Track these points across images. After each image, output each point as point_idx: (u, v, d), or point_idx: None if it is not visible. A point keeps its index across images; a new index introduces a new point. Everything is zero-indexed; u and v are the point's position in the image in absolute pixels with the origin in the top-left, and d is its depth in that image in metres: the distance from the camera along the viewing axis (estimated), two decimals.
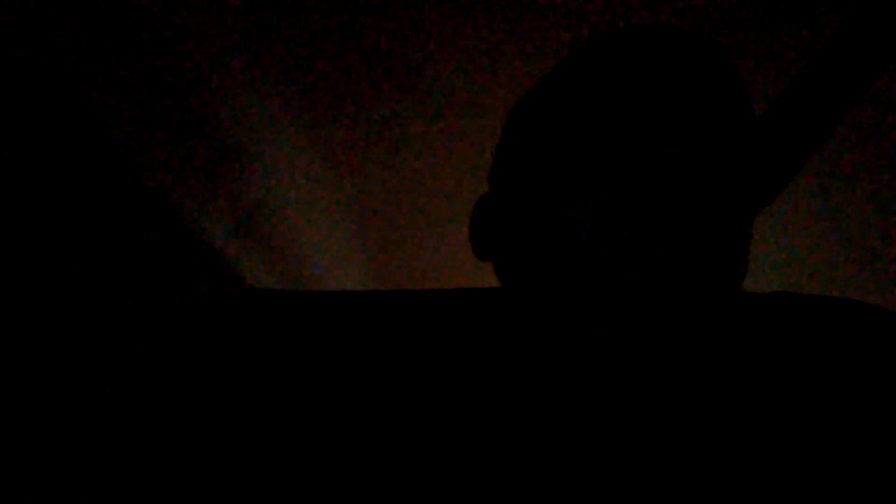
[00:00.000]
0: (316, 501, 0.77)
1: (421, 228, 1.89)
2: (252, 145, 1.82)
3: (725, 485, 0.81)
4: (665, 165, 0.85)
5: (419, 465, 0.78)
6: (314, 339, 0.84)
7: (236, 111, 1.78)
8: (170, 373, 0.84)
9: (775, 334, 0.88)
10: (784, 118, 0.92)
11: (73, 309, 1.65)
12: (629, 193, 0.85)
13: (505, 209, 0.92)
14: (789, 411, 0.83)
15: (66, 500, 1.44)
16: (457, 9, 1.69)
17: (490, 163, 0.98)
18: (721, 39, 1.67)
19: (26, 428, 1.52)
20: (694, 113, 0.88)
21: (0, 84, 1.65)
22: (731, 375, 0.85)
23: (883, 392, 0.84)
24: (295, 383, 0.81)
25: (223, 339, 0.84)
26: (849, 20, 0.91)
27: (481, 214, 0.94)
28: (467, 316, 0.87)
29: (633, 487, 0.79)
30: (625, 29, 0.94)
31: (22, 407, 1.53)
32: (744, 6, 1.65)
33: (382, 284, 1.97)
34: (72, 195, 1.70)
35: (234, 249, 1.91)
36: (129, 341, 1.67)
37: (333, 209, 1.90)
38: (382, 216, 1.90)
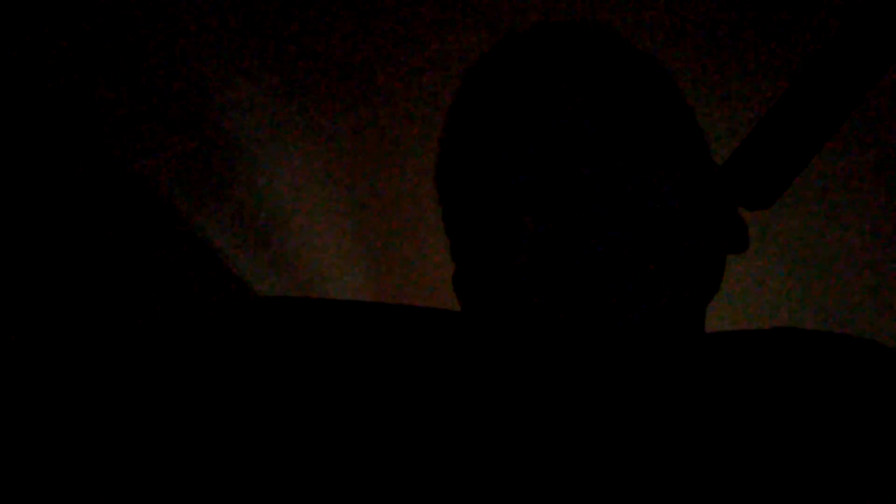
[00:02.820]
0: None
1: (422, 229, 1.88)
2: (252, 146, 1.82)
3: None
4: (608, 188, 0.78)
5: (416, 486, 0.76)
6: (318, 352, 0.82)
7: (236, 112, 1.78)
8: (173, 385, 0.82)
9: (778, 373, 0.84)
10: (784, 119, 0.91)
11: (71, 313, 1.65)
12: (579, 231, 0.77)
13: (474, 283, 0.85)
14: (790, 455, 0.80)
15: None
16: (458, 10, 1.69)
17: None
18: (721, 39, 1.67)
19: (28, 438, 1.51)
20: (613, 116, 0.81)
21: (0, 84, 1.65)
22: (726, 415, 0.81)
23: (887, 434, 0.81)
24: (293, 396, 0.79)
25: (227, 350, 0.82)
26: (849, 21, 0.91)
27: (461, 296, 0.87)
28: (480, 340, 0.84)
29: None
30: (512, 37, 0.88)
31: (23, 416, 1.53)
32: (744, 6, 1.65)
33: (383, 284, 1.97)
34: (71, 197, 1.69)
35: (233, 250, 1.90)
36: (128, 343, 1.67)
37: (334, 209, 1.90)
38: (383, 217, 1.90)
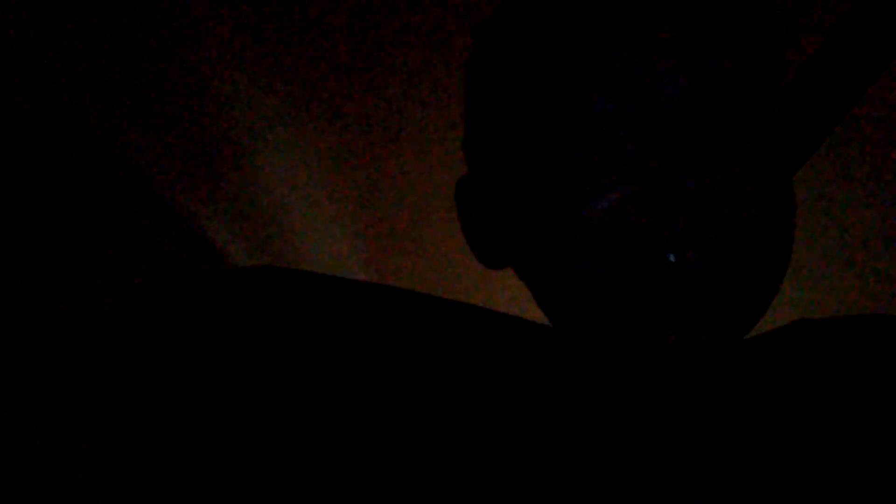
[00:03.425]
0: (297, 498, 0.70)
1: (422, 228, 1.89)
2: (252, 145, 1.82)
3: None
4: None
5: (411, 473, 0.71)
6: (297, 328, 0.73)
7: (236, 111, 1.78)
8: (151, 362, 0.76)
9: (800, 369, 0.74)
10: (785, 115, 0.91)
11: (65, 304, 1.65)
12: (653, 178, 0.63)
13: (493, 198, 0.71)
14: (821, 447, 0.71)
15: (49, 482, 1.44)
16: (459, 8, 1.69)
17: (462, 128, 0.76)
18: None
19: (11, 409, 1.52)
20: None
21: (0, 83, 1.65)
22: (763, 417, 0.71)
23: None
24: (280, 376, 0.71)
25: (202, 321, 0.74)
26: (851, 15, 0.91)
27: (465, 210, 0.73)
28: (474, 332, 0.74)
29: None
30: None
31: (7, 388, 1.53)
32: None
33: (383, 281, 1.97)
34: (71, 194, 1.70)
35: (234, 249, 1.91)
36: (130, 340, 1.67)
37: (333, 208, 1.90)
38: (383, 216, 1.90)
